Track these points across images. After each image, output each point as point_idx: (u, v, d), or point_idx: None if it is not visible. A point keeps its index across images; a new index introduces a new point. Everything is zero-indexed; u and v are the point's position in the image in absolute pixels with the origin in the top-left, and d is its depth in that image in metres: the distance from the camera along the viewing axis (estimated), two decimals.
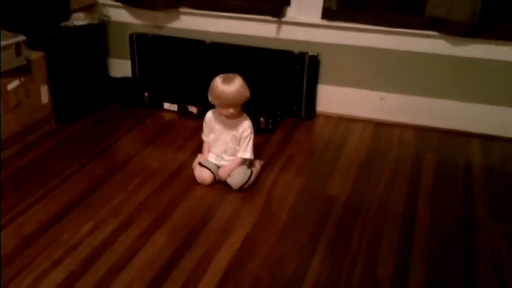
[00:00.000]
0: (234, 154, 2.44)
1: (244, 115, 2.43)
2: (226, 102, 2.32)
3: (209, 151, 2.52)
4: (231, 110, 2.34)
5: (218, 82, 2.32)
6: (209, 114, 2.48)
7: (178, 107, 3.18)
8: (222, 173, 2.43)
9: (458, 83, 2.95)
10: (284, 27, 3.12)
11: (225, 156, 2.46)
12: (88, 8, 3.20)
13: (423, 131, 3.02)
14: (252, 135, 2.42)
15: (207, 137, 2.52)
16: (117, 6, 3.37)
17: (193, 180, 2.46)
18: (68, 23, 3.05)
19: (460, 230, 2.17)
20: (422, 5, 2.85)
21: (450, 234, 2.14)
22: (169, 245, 2.03)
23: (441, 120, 3.02)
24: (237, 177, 2.40)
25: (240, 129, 2.40)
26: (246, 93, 2.34)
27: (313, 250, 2.02)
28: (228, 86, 2.29)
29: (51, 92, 2.89)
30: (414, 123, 3.07)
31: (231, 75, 2.34)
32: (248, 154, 2.42)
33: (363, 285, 1.86)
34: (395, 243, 2.07)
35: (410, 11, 3.00)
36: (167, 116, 3.18)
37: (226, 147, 2.45)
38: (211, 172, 2.44)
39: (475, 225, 2.20)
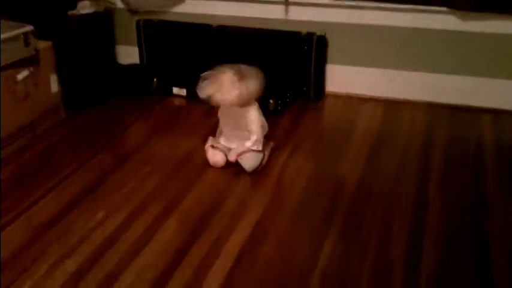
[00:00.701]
0: (242, 137, 2.42)
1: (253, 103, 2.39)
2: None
3: (221, 133, 2.51)
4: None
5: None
6: None
7: (187, 92, 3.18)
8: (230, 157, 2.43)
9: (468, 58, 2.90)
10: (291, 8, 3.08)
11: (234, 139, 2.45)
12: None
13: (433, 108, 2.98)
14: (260, 130, 2.39)
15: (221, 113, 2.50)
16: None
17: (203, 166, 2.46)
18: (75, 12, 3.05)
19: (473, 208, 2.16)
20: None
21: (463, 214, 2.12)
22: (181, 232, 2.03)
23: (452, 96, 2.98)
24: (250, 161, 2.39)
25: (246, 116, 2.37)
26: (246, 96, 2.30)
27: (324, 234, 2.01)
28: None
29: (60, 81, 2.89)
30: (424, 100, 3.03)
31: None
32: (255, 147, 2.39)
33: (376, 268, 1.85)
34: (407, 225, 2.05)
35: None
36: (176, 102, 3.17)
37: (235, 130, 2.43)
38: (224, 154, 2.44)
39: (488, 203, 2.18)
